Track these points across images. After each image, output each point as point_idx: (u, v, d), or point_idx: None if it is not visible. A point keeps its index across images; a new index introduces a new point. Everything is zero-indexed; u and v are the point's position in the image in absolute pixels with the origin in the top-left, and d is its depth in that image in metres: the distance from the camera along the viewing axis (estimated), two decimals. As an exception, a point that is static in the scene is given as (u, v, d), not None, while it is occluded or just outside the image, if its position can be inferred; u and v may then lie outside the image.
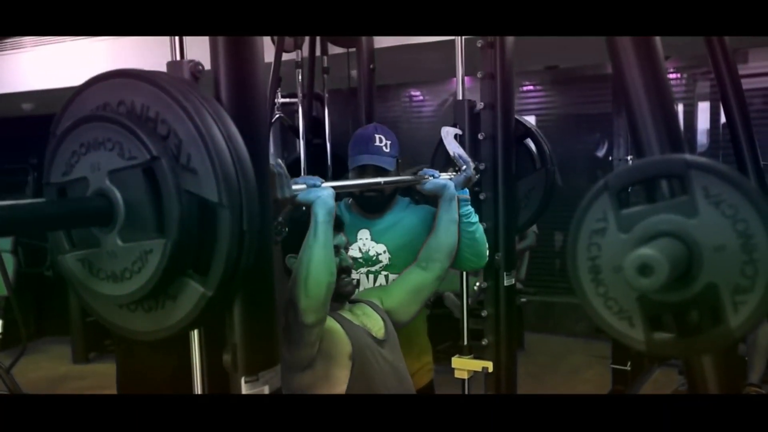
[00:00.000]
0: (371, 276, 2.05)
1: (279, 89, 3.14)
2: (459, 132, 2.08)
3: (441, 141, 2.09)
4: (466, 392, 2.20)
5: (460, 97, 2.16)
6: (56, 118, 1.08)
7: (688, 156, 0.79)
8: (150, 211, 0.95)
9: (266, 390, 1.13)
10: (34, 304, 5.26)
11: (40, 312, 5.27)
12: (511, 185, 2.13)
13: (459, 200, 1.93)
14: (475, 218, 1.98)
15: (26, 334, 3.49)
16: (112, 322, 1.05)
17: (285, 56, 3.05)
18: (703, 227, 0.76)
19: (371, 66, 2.95)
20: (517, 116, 2.26)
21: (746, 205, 0.74)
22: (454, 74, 2.17)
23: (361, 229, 2.06)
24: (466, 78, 2.17)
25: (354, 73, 3.04)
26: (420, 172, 1.92)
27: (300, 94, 3.25)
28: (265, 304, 1.17)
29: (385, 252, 2.05)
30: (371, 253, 2.05)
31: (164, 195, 0.94)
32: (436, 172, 1.92)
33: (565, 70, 5.18)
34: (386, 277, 2.05)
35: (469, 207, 1.97)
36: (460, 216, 1.93)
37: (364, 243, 2.06)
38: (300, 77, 3.26)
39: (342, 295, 1.75)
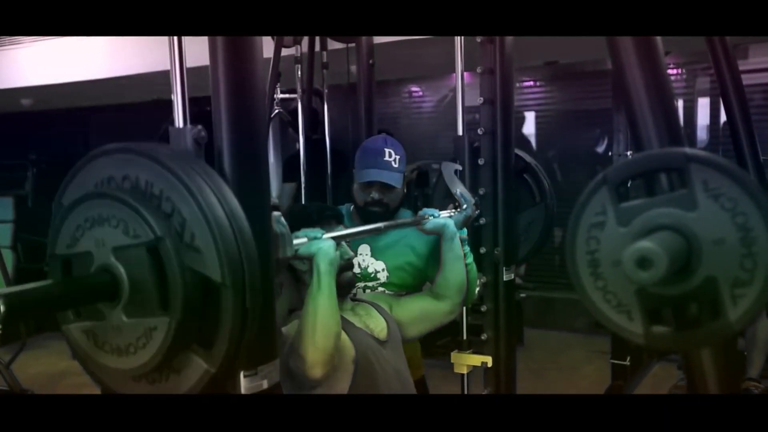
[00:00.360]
0: (368, 291, 2.05)
1: (278, 85, 3.14)
2: (459, 167, 2.09)
3: (440, 175, 2.10)
4: (465, 387, 2.20)
5: (460, 102, 2.15)
6: (62, 186, 1.10)
7: (687, 149, 0.79)
8: (154, 289, 0.97)
9: (265, 384, 1.13)
10: (34, 300, 5.26)
11: (39, 308, 5.27)
12: (510, 181, 2.13)
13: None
14: (470, 258, 1.99)
15: (26, 329, 3.48)
16: (115, 390, 1.07)
17: (284, 51, 3.05)
18: (703, 221, 0.76)
19: (371, 61, 2.94)
20: (517, 150, 2.27)
21: (745, 199, 0.74)
22: (453, 70, 2.17)
23: (362, 244, 2.05)
24: (465, 73, 2.17)
25: (353, 68, 3.04)
26: (420, 213, 1.91)
27: (299, 90, 3.26)
28: (264, 298, 1.17)
29: (383, 270, 2.05)
30: (370, 269, 2.05)
31: (168, 273, 0.96)
32: (436, 212, 1.92)
33: (565, 66, 5.17)
34: (383, 292, 2.05)
35: (466, 247, 1.97)
36: None
37: (364, 259, 2.06)
38: (299, 73, 3.26)
39: (343, 287, 1.76)
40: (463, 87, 2.16)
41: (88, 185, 1.06)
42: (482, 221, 2.11)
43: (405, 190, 2.10)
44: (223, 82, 1.09)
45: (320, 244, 1.54)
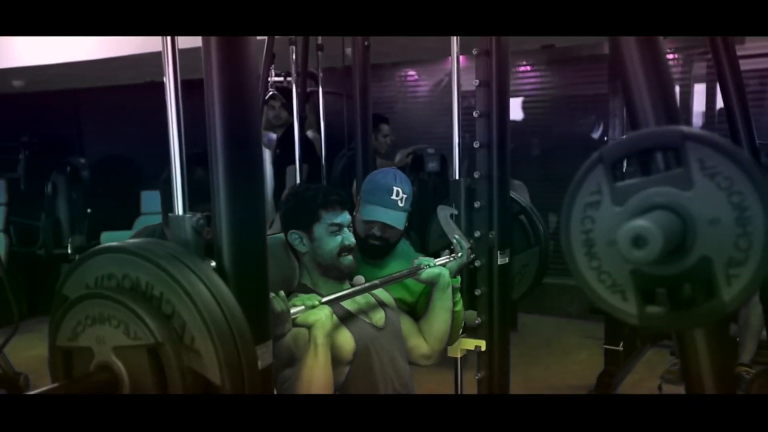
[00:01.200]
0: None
1: (272, 67, 3.12)
2: (455, 212, 2.09)
3: (435, 218, 2.12)
4: (459, 371, 2.20)
5: (455, 82, 2.13)
6: (63, 276, 1.12)
7: (683, 127, 0.78)
8: (154, 388, 0.99)
9: (258, 365, 1.12)
10: (26, 284, 5.25)
11: (32, 291, 5.26)
12: (505, 165, 2.12)
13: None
14: (459, 305, 2.01)
15: (18, 313, 3.46)
16: None
17: (278, 33, 3.02)
18: (698, 200, 0.75)
19: (366, 44, 2.92)
20: (512, 194, 2.27)
21: (742, 178, 0.73)
22: (449, 53, 2.15)
23: (358, 274, 2.01)
24: (461, 57, 2.15)
25: (348, 51, 3.02)
26: (416, 262, 1.92)
27: (294, 72, 3.23)
28: (256, 280, 1.16)
29: None
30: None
31: (168, 375, 0.98)
32: (432, 260, 1.92)
33: (561, 50, 5.15)
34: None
35: (458, 294, 1.99)
36: None
37: None
38: (294, 55, 3.23)
39: (343, 273, 1.75)
40: (459, 71, 2.13)
41: (89, 279, 1.08)
42: (477, 205, 2.10)
43: (407, 224, 2.10)
44: (216, 66, 1.09)
45: (317, 315, 1.52)
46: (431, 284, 1.91)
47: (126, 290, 1.03)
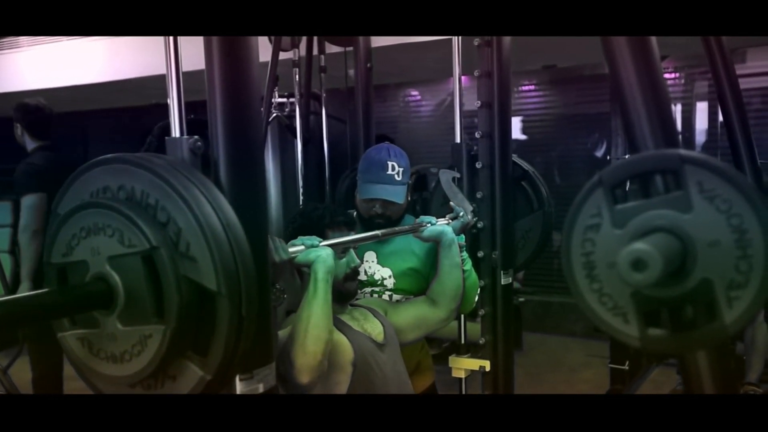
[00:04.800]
0: (375, 295, 2.05)
1: (276, 88, 3.15)
2: (457, 175, 2.09)
3: (438, 182, 2.11)
4: (463, 391, 2.19)
5: (457, 102, 2.15)
6: (58, 195, 1.11)
7: (682, 151, 0.79)
8: (149, 297, 0.97)
9: (261, 388, 1.13)
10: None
11: (37, 312, 5.25)
12: (508, 184, 2.13)
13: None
14: (468, 265, 1.99)
15: (23, 334, 3.47)
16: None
17: (282, 55, 3.05)
18: (698, 222, 0.76)
19: (369, 65, 2.95)
20: (515, 158, 2.27)
21: (740, 200, 0.74)
22: (451, 73, 2.17)
23: (368, 250, 2.05)
24: (463, 77, 2.17)
25: (351, 72, 3.04)
26: (418, 220, 1.92)
27: (297, 94, 3.26)
28: (260, 301, 1.16)
29: (390, 277, 2.05)
30: (376, 276, 2.05)
31: (164, 282, 0.97)
32: (434, 219, 1.92)
33: (563, 69, 5.18)
34: (390, 296, 2.05)
35: (464, 253, 1.98)
36: None
37: (370, 266, 2.05)
38: (297, 76, 3.26)
39: (345, 295, 1.75)
40: (461, 91, 2.15)
41: (84, 195, 1.07)
42: (480, 225, 2.11)
43: (409, 198, 2.09)
44: (219, 84, 1.10)
45: (319, 252, 1.53)
46: (435, 242, 1.90)
47: (121, 200, 1.02)
